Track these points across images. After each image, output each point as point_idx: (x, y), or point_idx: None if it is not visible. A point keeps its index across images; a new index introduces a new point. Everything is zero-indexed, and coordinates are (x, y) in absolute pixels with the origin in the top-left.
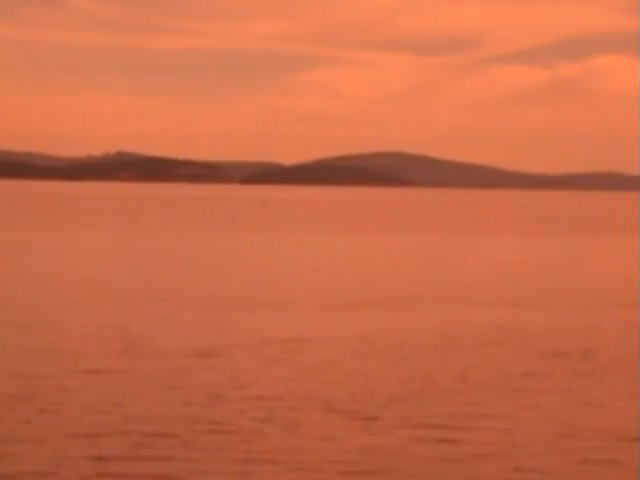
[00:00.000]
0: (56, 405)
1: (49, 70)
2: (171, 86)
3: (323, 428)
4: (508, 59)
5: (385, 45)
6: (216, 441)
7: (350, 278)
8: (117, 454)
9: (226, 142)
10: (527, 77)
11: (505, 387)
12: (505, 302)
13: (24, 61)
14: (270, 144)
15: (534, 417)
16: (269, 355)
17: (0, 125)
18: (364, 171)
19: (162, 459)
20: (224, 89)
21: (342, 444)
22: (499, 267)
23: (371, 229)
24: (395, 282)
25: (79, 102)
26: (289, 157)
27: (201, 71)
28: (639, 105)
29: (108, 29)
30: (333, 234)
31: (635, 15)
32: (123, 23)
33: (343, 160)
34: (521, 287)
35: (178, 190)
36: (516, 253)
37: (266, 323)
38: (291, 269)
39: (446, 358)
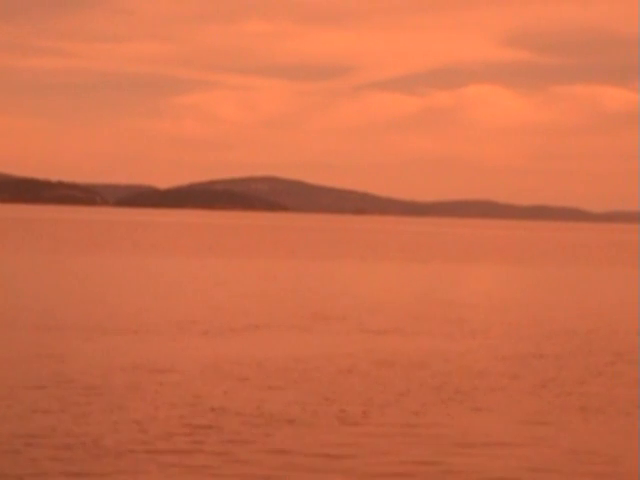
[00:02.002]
0: None
1: None
2: (44, 107)
3: (164, 455)
4: (383, 86)
5: (260, 70)
6: None
7: (208, 303)
8: None
9: (100, 164)
10: (401, 104)
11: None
12: (362, 329)
13: None
14: (144, 167)
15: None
16: (121, 383)
17: None
18: (238, 195)
19: None
20: (98, 111)
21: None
22: (359, 292)
23: (238, 253)
24: (253, 308)
25: None
26: (164, 180)
27: (75, 92)
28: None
29: None
30: (197, 258)
31: (508, 46)
32: None
33: (217, 184)
34: (378, 313)
35: (49, 212)
36: (380, 279)
37: (112, 349)
38: (147, 294)
39: (300, 386)
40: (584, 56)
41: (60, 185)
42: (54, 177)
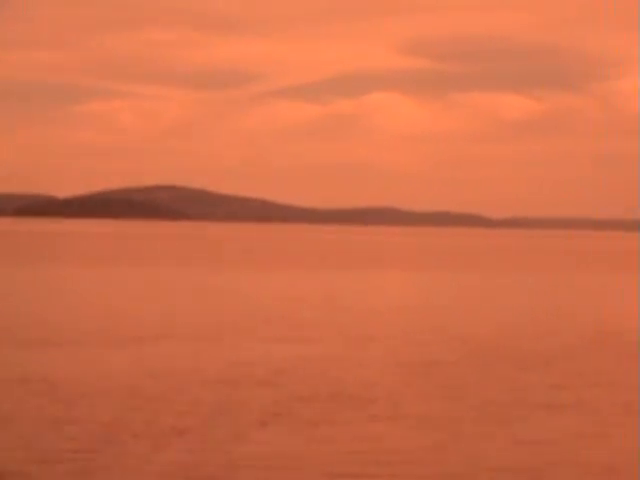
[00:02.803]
0: None
1: None
2: None
3: None
4: (285, 94)
5: (161, 79)
6: None
7: (106, 312)
8: None
9: None
10: (303, 112)
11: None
12: (258, 338)
13: None
14: (43, 176)
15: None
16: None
17: None
18: (139, 204)
19: None
20: None
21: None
22: (258, 301)
23: (138, 262)
24: (149, 318)
25: None
26: (63, 189)
27: None
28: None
29: None
30: (96, 267)
31: (408, 54)
32: None
33: (118, 193)
34: (277, 322)
35: None
36: (281, 287)
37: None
38: (42, 304)
39: (192, 396)
40: (483, 64)
41: None
42: None
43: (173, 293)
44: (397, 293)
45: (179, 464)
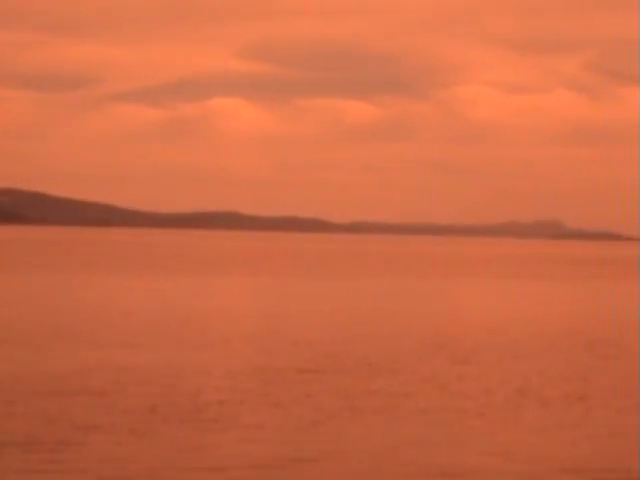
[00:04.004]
0: None
1: None
2: None
3: None
4: (126, 98)
5: (1, 81)
6: None
7: None
8: None
9: None
10: (145, 116)
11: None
12: (94, 344)
13: None
14: None
15: None
16: None
17: None
18: None
19: None
20: None
21: None
22: (97, 306)
23: None
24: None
25: None
26: None
27: None
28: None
29: None
30: None
31: (250, 59)
32: None
33: None
34: (114, 328)
35: None
36: (121, 292)
37: None
38: None
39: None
40: (326, 70)
41: None
42: None
43: (5, 299)
44: (238, 299)
45: None
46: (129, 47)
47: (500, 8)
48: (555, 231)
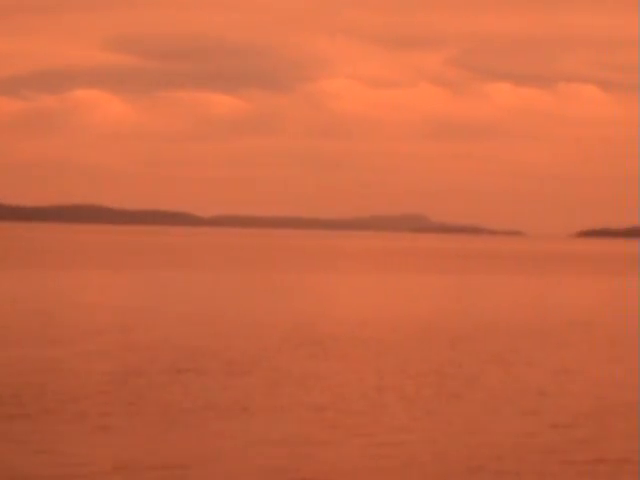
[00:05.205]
0: None
1: None
2: None
3: None
4: None
5: None
6: None
7: None
8: None
9: None
10: (5, 107)
11: None
12: None
13: None
14: None
15: None
16: None
17: None
18: None
19: None
20: None
21: None
22: None
23: None
24: None
25: None
26: None
27: None
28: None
29: None
30: None
31: (113, 51)
32: None
33: None
34: None
35: None
36: None
37: None
38: None
39: None
40: (191, 63)
41: None
42: None
43: None
44: (93, 293)
45: None
46: None
47: (365, 3)
48: (419, 225)
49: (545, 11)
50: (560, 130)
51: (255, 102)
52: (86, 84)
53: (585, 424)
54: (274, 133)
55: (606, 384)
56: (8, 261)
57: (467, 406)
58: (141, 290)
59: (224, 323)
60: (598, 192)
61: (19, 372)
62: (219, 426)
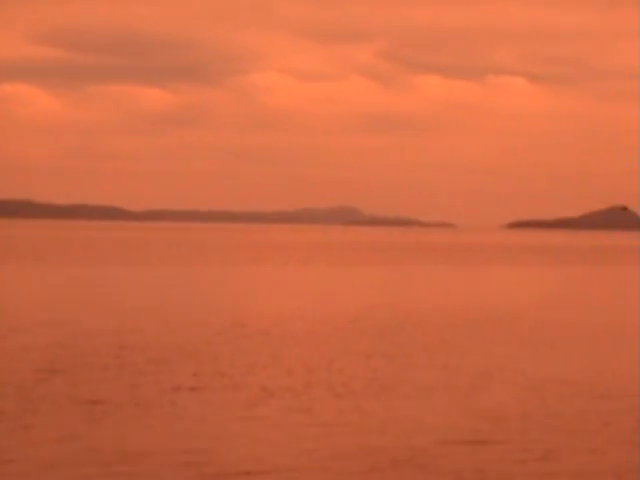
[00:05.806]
0: None
1: None
2: None
3: None
4: None
5: None
6: None
7: None
8: None
9: None
10: None
11: None
12: None
13: None
14: None
15: None
16: None
17: None
18: None
19: None
20: None
21: None
22: None
23: None
24: None
25: None
26: None
27: None
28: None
29: None
30: None
31: (40, 44)
32: None
33: None
34: None
35: None
36: None
37: None
38: None
39: None
40: (119, 56)
41: None
42: None
43: None
44: (21, 289)
45: None
46: None
47: None
48: (351, 218)
49: (473, 3)
50: (489, 122)
51: (185, 95)
52: (14, 78)
53: (513, 415)
54: (204, 126)
55: (534, 376)
56: None
57: (396, 399)
58: (67, 286)
59: (154, 317)
60: (527, 184)
61: None
62: (145, 421)
